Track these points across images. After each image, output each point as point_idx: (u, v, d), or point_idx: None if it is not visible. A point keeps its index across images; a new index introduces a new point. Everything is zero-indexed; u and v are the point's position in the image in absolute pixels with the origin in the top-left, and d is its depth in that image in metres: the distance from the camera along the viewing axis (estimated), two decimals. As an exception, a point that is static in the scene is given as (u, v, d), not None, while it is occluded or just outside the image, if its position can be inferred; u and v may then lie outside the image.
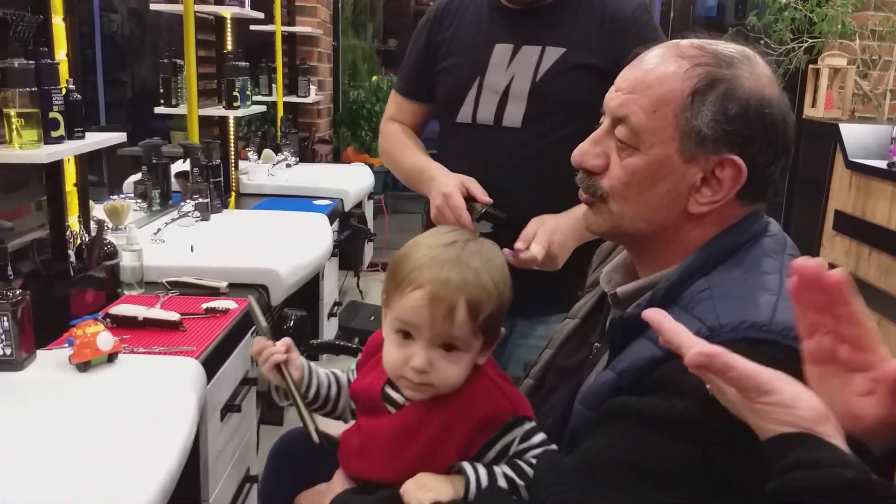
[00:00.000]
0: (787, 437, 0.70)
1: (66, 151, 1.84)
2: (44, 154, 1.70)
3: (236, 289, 2.13)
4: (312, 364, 1.18)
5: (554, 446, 1.00)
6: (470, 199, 1.51)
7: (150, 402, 1.43)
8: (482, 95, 1.60)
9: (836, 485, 0.66)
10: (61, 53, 2.00)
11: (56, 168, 1.99)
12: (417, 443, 1.00)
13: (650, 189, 0.94)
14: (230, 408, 1.85)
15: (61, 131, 1.81)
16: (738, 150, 0.91)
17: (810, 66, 3.83)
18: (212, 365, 1.72)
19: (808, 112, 3.77)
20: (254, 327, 2.06)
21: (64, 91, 1.85)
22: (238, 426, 1.98)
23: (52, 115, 1.77)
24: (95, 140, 1.94)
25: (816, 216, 3.23)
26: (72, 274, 1.87)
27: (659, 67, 0.94)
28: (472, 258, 0.98)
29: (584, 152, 0.99)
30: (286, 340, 1.15)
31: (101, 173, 3.98)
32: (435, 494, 0.94)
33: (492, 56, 1.59)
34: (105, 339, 1.51)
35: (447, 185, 1.51)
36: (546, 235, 1.46)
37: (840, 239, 3.10)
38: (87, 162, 2.33)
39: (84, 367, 1.50)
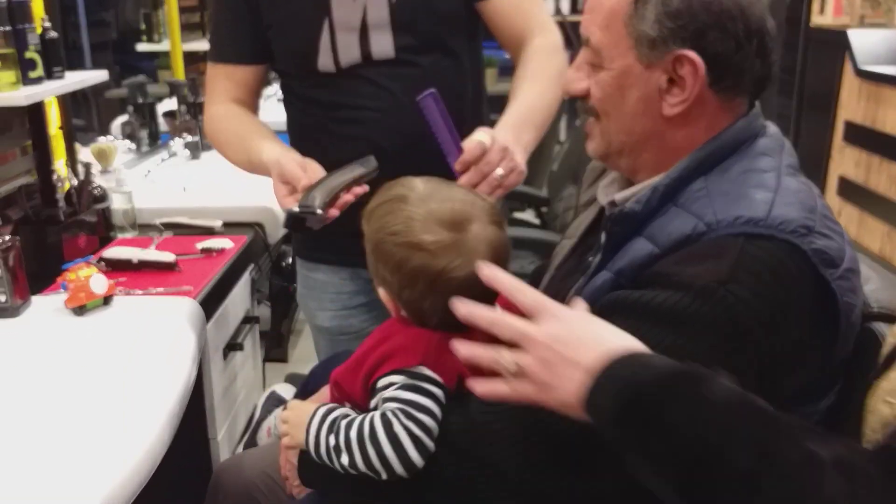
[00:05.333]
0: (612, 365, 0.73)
1: (46, 92, 1.78)
2: (23, 96, 1.65)
3: (231, 228, 2.10)
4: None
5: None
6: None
7: (150, 343, 1.41)
8: (338, 39, 1.36)
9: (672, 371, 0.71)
10: (34, -10, 1.93)
11: (38, 111, 1.94)
12: (357, 353, 1.01)
13: (622, 101, 0.96)
14: (232, 346, 1.85)
15: (39, 72, 1.75)
16: (690, 44, 0.91)
17: (819, -29, 3.70)
18: (210, 304, 1.71)
19: (816, 20, 3.65)
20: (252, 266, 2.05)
21: (39, 30, 1.79)
22: (242, 364, 1.98)
23: (28, 54, 1.71)
24: (76, 80, 1.88)
25: (826, 128, 3.16)
26: (62, 219, 1.84)
27: None
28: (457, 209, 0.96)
29: (569, 80, 1.02)
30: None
31: (89, 117, 3.92)
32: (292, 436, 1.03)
33: None
34: (99, 282, 1.48)
35: (275, 167, 1.26)
36: (482, 132, 1.20)
37: (850, 150, 3.04)
38: (72, 105, 2.27)
39: (80, 310, 1.48)
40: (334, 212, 1.21)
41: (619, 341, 0.76)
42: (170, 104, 3.09)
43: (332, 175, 1.24)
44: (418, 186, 0.98)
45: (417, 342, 0.95)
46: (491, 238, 0.94)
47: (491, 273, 0.84)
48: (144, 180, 2.43)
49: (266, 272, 2.19)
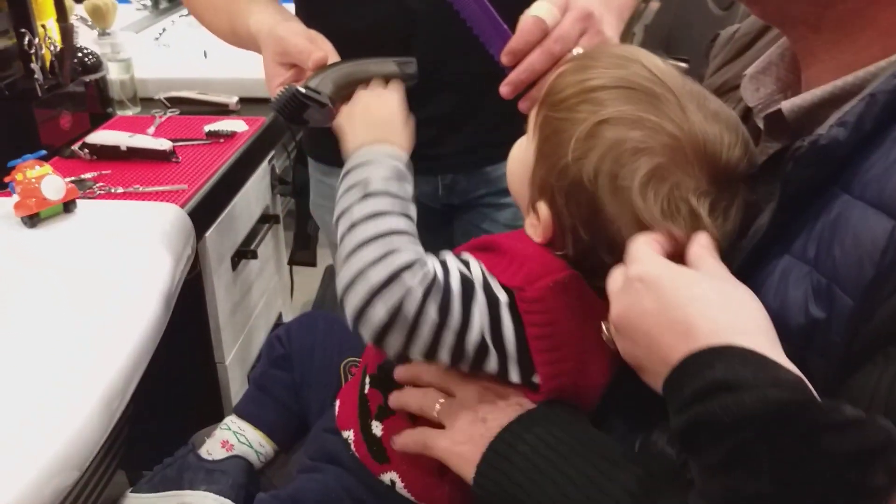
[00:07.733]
0: (699, 356, 0.50)
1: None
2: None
3: (249, 105, 1.74)
4: None
5: None
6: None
7: (120, 265, 1.09)
8: None
9: (763, 410, 0.46)
10: None
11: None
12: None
13: None
14: (242, 254, 1.53)
15: None
16: None
17: None
18: (213, 205, 1.39)
19: None
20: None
21: None
22: (260, 272, 1.67)
23: None
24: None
25: None
26: (39, 94, 1.51)
27: None
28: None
29: None
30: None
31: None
32: None
33: None
34: (53, 185, 1.16)
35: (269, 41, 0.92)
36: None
37: None
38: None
39: (32, 220, 1.16)
40: None
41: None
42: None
43: (353, 62, 0.86)
44: (675, 76, 0.62)
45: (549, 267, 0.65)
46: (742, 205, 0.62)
47: None
48: (156, 44, 2.07)
49: (292, 160, 1.84)
